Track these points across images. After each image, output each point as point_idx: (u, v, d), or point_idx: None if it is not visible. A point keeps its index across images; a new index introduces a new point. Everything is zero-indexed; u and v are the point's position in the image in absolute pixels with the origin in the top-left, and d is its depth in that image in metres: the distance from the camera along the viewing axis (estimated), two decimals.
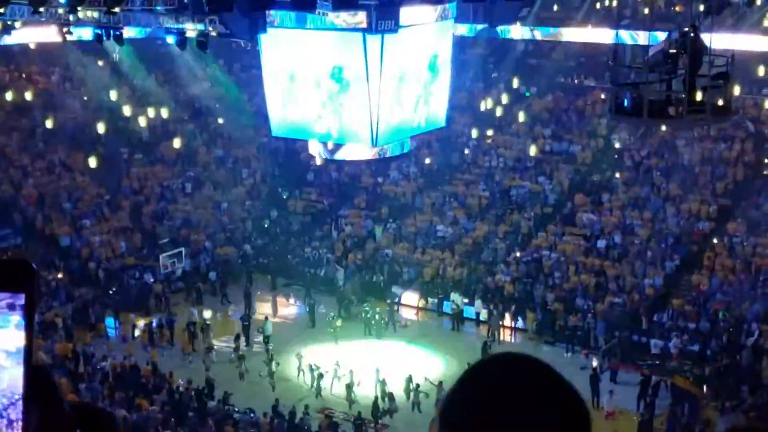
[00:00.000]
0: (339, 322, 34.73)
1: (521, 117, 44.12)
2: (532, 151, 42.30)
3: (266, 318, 35.14)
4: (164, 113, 44.63)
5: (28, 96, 44.98)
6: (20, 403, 1.85)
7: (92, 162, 42.53)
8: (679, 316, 33.39)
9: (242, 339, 33.87)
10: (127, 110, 44.28)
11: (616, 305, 34.53)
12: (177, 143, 44.46)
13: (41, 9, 20.41)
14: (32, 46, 41.59)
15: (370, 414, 28.46)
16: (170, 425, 26.13)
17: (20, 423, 1.84)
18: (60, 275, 37.81)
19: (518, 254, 38.54)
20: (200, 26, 26.77)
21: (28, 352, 1.88)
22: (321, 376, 30.59)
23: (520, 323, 35.33)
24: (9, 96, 44.47)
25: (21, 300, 1.87)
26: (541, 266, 37.53)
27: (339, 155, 29.83)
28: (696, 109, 16.78)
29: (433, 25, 27.41)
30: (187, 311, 36.64)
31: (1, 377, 1.86)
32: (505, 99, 44.72)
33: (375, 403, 28.66)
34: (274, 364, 31.66)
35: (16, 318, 1.87)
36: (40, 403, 1.91)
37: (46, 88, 46.45)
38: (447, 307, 36.74)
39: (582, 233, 38.86)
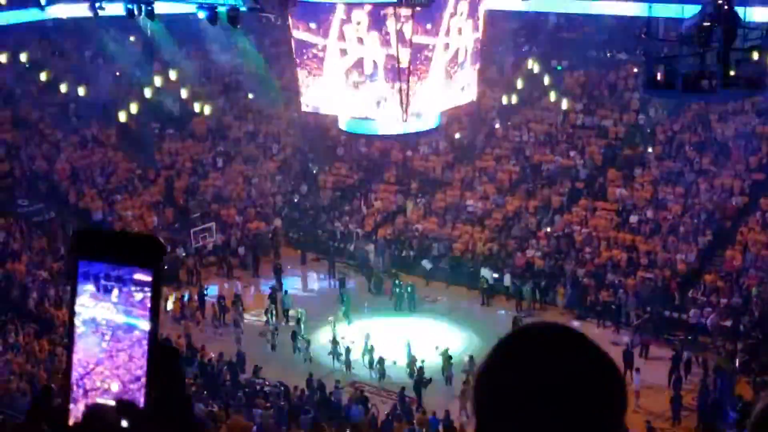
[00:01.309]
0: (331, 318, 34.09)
1: (552, 91, 43.78)
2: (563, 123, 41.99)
3: (285, 292, 35.31)
4: (195, 88, 44.76)
5: (62, 72, 45.26)
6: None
7: (124, 137, 42.84)
8: (711, 292, 33.15)
9: (271, 313, 34.09)
10: (158, 85, 44.46)
11: (647, 280, 34.33)
12: (208, 115, 44.62)
13: None
14: (65, 21, 41.77)
15: (412, 389, 28.48)
16: (202, 397, 26.37)
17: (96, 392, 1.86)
18: None
19: (549, 229, 38.39)
20: (231, 1, 26.88)
21: (154, 330, 1.88)
22: (349, 350, 30.71)
23: (550, 298, 35.23)
24: (42, 72, 44.77)
25: (148, 276, 1.88)
26: (572, 241, 37.38)
27: (369, 129, 29.85)
28: (730, 82, 16.60)
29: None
30: (219, 285, 36.89)
31: (114, 348, 1.88)
32: (536, 73, 44.42)
33: (418, 381, 28.64)
34: (300, 339, 31.84)
35: (140, 295, 1.88)
36: (162, 382, 1.90)
37: (78, 64, 46.69)
38: (477, 281, 36.66)
39: (614, 208, 38.62)
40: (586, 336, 1.96)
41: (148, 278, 1.86)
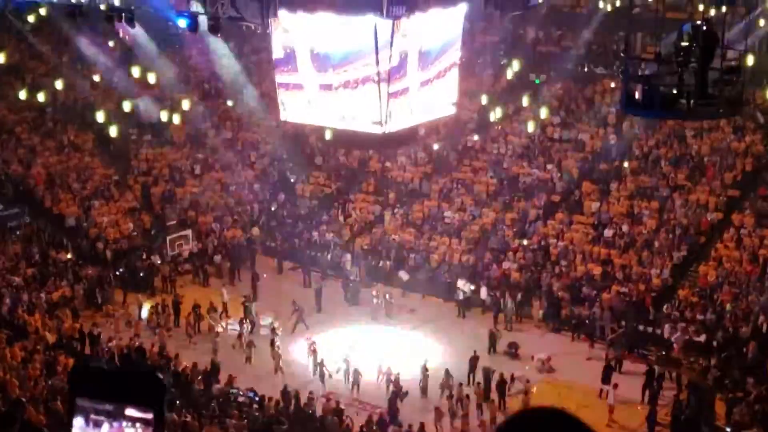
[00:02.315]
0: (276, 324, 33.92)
1: (530, 104, 43.94)
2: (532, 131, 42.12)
3: (248, 299, 35.20)
4: (174, 95, 44.62)
5: (39, 76, 45.06)
6: None
7: (101, 142, 42.64)
8: (685, 307, 33.36)
9: (246, 322, 34.00)
10: (136, 91, 44.31)
11: (622, 295, 34.51)
12: (185, 125, 44.48)
13: None
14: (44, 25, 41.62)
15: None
16: (175, 407, 26.22)
17: None
18: (68, 255, 37.94)
19: (525, 242, 38.53)
20: (211, 9, 26.80)
21: None
22: (322, 363, 30.59)
23: (526, 311, 35.35)
24: (20, 76, 44.57)
25: (145, 413, 1.84)
26: (548, 254, 37.54)
27: (347, 138, 29.82)
28: (707, 102, 16.74)
29: (443, 11, 27.33)
30: (194, 293, 36.75)
31: None
32: (514, 86, 44.61)
33: (394, 393, 28.60)
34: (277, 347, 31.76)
35: (131, 431, 1.83)
36: None
37: (57, 69, 46.43)
38: (453, 293, 36.75)
39: (589, 222, 38.83)
40: (583, 423, 1.98)
41: (143, 415, 1.82)
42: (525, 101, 43.58)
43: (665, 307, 33.56)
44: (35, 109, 44.54)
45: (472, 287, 36.61)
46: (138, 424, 1.77)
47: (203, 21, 26.82)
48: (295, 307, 34.74)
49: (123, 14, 27.94)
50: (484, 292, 36.28)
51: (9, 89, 44.47)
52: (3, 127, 43.12)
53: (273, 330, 33.05)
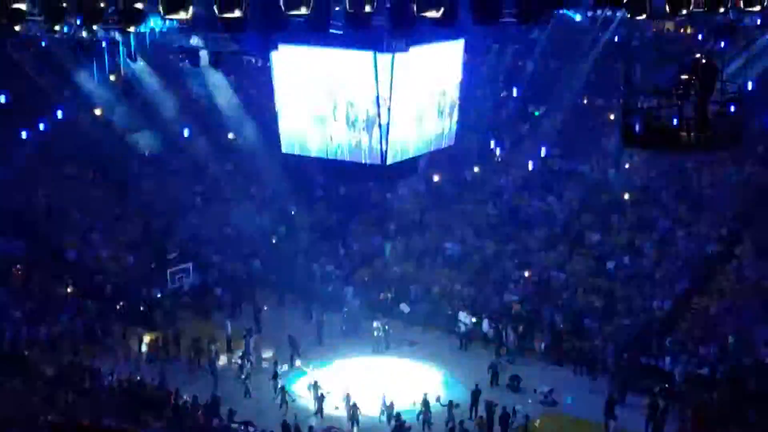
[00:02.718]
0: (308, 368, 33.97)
1: (531, 136, 44.11)
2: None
3: (250, 333, 35.06)
4: (175, 127, 44.72)
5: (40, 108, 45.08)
6: None
7: (102, 175, 42.69)
8: (687, 339, 33.22)
9: (248, 355, 33.84)
10: (138, 123, 44.43)
11: (624, 327, 34.37)
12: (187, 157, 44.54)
13: (56, 27, 20.48)
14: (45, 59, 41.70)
15: None
16: None
17: None
18: (68, 289, 37.83)
19: (526, 274, 38.43)
20: (213, 44, 26.94)
21: None
22: (323, 397, 30.40)
23: (528, 343, 35.17)
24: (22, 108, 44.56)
25: None
26: (550, 286, 37.44)
27: (347, 172, 29.86)
28: (707, 135, 16.77)
29: (443, 44, 27.46)
30: (194, 326, 36.62)
31: None
32: (514, 118, 44.76)
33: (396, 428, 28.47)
34: (279, 381, 31.60)
35: None
36: None
37: (57, 101, 46.50)
38: (455, 325, 36.64)
39: (591, 253, 38.75)
40: None
41: None
42: (524, 133, 43.78)
43: (668, 339, 33.38)
44: (37, 141, 44.50)
45: (474, 319, 36.49)
46: None
47: (205, 55, 26.94)
48: (290, 341, 34.64)
49: (124, 48, 28.04)
50: (485, 325, 36.14)
51: (9, 122, 44.47)
52: (3, 158, 43.06)
53: (275, 363, 32.93)
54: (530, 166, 43.66)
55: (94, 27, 20.24)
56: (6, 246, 39.07)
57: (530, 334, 35.34)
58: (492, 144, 44.74)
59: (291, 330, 35.72)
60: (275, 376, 31.89)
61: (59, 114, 42.33)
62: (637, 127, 16.91)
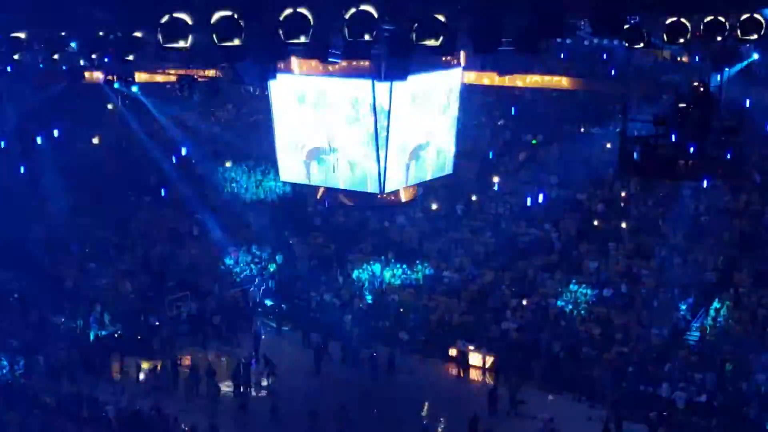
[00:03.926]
0: None
1: (528, 164, 44.26)
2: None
3: (249, 362, 34.98)
4: (173, 157, 44.87)
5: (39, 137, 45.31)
6: None
7: (100, 203, 42.76)
8: (685, 367, 33.17)
9: (244, 384, 33.76)
10: (136, 153, 44.56)
11: (622, 355, 34.32)
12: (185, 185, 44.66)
13: (55, 56, 20.60)
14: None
15: None
16: None
17: None
18: (65, 318, 37.76)
19: (524, 302, 38.42)
20: (211, 72, 27.08)
21: None
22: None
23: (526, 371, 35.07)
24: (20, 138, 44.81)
25: None
26: (548, 314, 37.41)
27: (346, 200, 29.94)
28: (706, 163, 16.85)
29: (441, 73, 27.64)
30: (192, 354, 36.52)
31: None
32: (511, 146, 44.91)
33: None
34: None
35: None
36: None
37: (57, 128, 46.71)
38: (452, 353, 36.61)
39: (589, 281, 38.75)
40: None
41: None
42: (522, 161, 43.93)
43: (666, 367, 33.34)
44: (35, 170, 44.64)
45: (472, 347, 36.43)
46: None
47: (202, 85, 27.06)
48: (266, 360, 34.70)
49: (122, 77, 28.18)
50: (483, 353, 36.06)
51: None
52: (2, 190, 43.11)
53: (272, 392, 32.84)
54: (527, 194, 43.76)
55: (93, 55, 20.27)
56: (4, 276, 39.01)
57: (528, 361, 35.25)
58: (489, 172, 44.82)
59: (289, 358, 35.61)
60: (272, 409, 31.79)
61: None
62: (635, 155, 17.02)
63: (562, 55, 42.28)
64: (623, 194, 42.25)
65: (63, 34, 19.71)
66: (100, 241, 43.06)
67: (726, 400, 31.02)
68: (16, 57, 20.09)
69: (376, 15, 14.74)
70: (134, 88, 30.67)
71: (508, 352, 35.55)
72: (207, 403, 32.57)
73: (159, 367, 35.07)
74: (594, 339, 35.50)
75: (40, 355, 34.91)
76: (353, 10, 14.62)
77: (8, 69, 29.84)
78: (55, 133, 43.10)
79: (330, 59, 22.89)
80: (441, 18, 15.27)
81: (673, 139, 16.72)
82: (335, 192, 29.33)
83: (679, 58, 40.24)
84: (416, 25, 15.34)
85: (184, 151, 46.14)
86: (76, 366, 35.04)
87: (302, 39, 14.50)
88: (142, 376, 35.12)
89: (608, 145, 42.69)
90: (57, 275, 40.37)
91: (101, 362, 35.78)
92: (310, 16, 14.36)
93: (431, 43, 15.40)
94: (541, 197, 42.91)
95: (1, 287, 38.41)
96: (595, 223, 41.64)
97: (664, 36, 16.75)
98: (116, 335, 37.67)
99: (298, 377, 35.14)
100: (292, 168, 29.16)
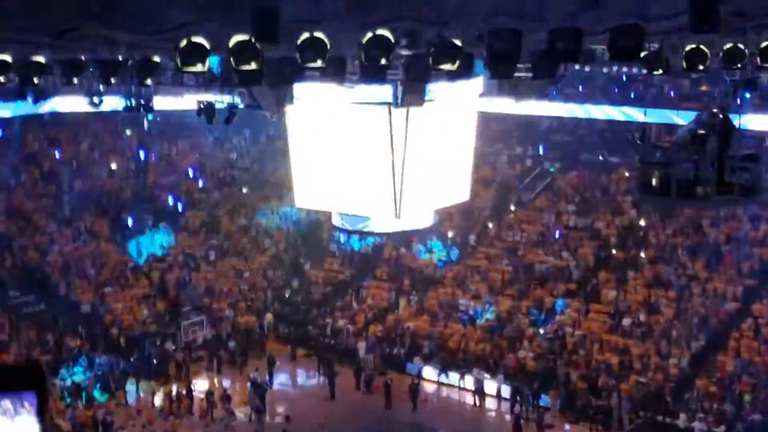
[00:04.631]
0: None
1: (546, 192, 44.14)
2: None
3: (263, 388, 34.83)
4: (190, 182, 45.02)
5: (57, 163, 45.62)
6: None
7: (117, 229, 42.90)
8: (704, 397, 32.82)
9: (258, 410, 33.62)
10: (152, 178, 44.72)
11: (640, 384, 34.00)
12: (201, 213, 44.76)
13: (74, 80, 20.63)
14: (62, 114, 42.19)
15: None
16: None
17: None
18: (81, 342, 37.75)
19: (541, 330, 38.17)
20: (228, 98, 27.09)
21: None
22: None
23: (543, 401, 34.80)
24: (38, 163, 45.11)
25: (31, 399, 1.87)
26: (565, 343, 37.13)
27: (361, 227, 29.85)
28: (725, 190, 16.68)
29: (457, 99, 27.57)
30: (208, 380, 36.44)
31: None
32: (529, 173, 44.83)
33: None
34: None
35: (24, 416, 1.87)
36: None
37: (75, 156, 46.97)
38: (468, 382, 36.37)
39: (606, 311, 38.48)
40: None
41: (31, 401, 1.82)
42: (539, 189, 43.84)
43: (686, 397, 32.98)
44: (53, 196, 44.85)
45: (488, 376, 36.19)
46: (25, 408, 1.76)
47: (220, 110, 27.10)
48: (259, 381, 34.75)
49: (141, 103, 28.20)
50: (500, 381, 35.82)
51: (27, 176, 44.93)
52: (20, 214, 43.36)
53: (287, 418, 32.68)
54: (545, 222, 43.63)
55: (112, 80, 20.28)
56: (22, 300, 39.05)
57: (545, 391, 34.98)
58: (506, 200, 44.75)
59: (303, 384, 35.47)
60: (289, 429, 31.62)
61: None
62: (653, 181, 16.88)
63: (580, 87, 42.35)
64: (642, 223, 42.00)
65: (82, 57, 19.75)
66: (116, 265, 43.08)
67: (745, 431, 30.62)
68: (36, 81, 20.16)
69: (392, 39, 14.67)
70: (149, 117, 30.80)
71: (524, 381, 35.27)
72: (222, 429, 32.42)
73: (174, 392, 34.98)
74: (611, 368, 35.18)
75: (56, 379, 34.87)
76: (370, 34, 14.56)
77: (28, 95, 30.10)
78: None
79: (346, 84, 22.97)
80: (458, 42, 15.20)
81: (692, 164, 16.62)
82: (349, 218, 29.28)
83: (699, 88, 40.25)
84: (432, 49, 15.27)
85: (200, 178, 46.31)
86: (91, 390, 34.99)
87: (319, 63, 14.43)
88: (157, 401, 35.03)
89: (626, 174, 42.57)
90: (74, 299, 40.39)
91: (116, 386, 35.72)
92: (326, 40, 14.30)
93: (448, 67, 15.33)
94: (557, 233, 42.78)
95: (19, 310, 38.40)
96: (614, 251, 41.38)
97: (683, 63, 16.64)
98: (131, 360, 37.61)
99: (313, 403, 34.98)
100: (307, 194, 29.11)
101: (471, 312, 40.29)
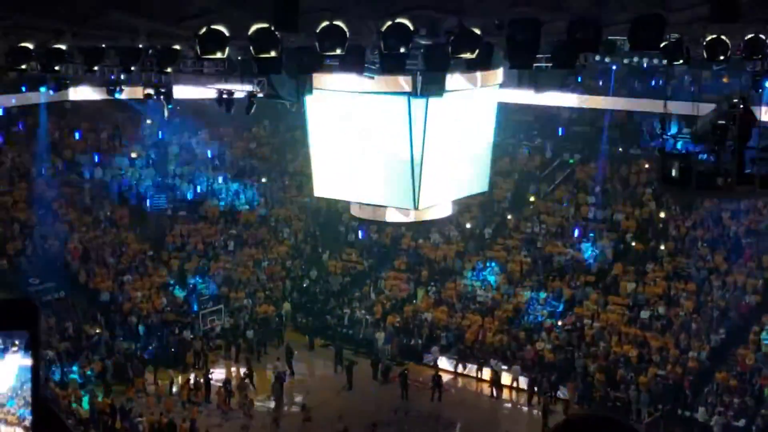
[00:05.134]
0: None
1: (565, 183, 43.97)
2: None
3: (282, 377, 34.93)
4: (209, 171, 45.14)
5: (78, 152, 45.86)
6: None
7: (136, 218, 43.09)
8: (723, 391, 32.68)
9: (279, 399, 33.74)
10: (173, 167, 44.86)
11: (659, 377, 33.89)
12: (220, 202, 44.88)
13: (95, 68, 20.76)
14: (83, 103, 42.39)
15: None
16: None
17: None
18: (100, 330, 37.98)
19: (559, 322, 38.09)
20: (248, 87, 27.16)
21: (35, 388, 1.89)
22: None
23: (560, 392, 34.74)
24: (59, 151, 45.37)
25: (22, 337, 1.89)
26: (583, 335, 37.04)
27: (380, 217, 29.83)
28: (744, 180, 16.61)
29: (477, 90, 27.49)
30: (225, 368, 36.58)
31: None
32: (548, 165, 44.68)
33: None
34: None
35: (15, 354, 1.89)
36: None
37: (94, 145, 47.19)
38: (486, 373, 36.38)
39: (625, 303, 38.35)
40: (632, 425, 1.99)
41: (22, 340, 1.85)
42: (558, 180, 43.68)
43: (705, 390, 32.86)
44: (73, 184, 45.09)
45: (505, 367, 36.16)
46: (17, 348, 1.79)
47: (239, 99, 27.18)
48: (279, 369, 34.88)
49: (160, 91, 28.30)
50: (517, 373, 35.79)
51: (48, 165, 45.17)
52: (41, 202, 43.61)
53: (304, 407, 32.78)
54: (564, 214, 43.50)
55: (132, 68, 20.40)
56: (42, 287, 39.27)
57: (563, 382, 34.93)
58: (525, 191, 44.64)
59: (320, 374, 35.54)
60: (306, 418, 31.72)
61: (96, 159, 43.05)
62: (673, 172, 16.82)
63: (600, 78, 42.10)
64: (662, 215, 41.79)
65: (103, 45, 19.86)
66: (135, 253, 43.29)
67: (765, 426, 30.47)
68: (56, 68, 20.29)
69: (411, 28, 14.65)
70: (169, 106, 30.74)
71: (542, 373, 35.23)
72: (239, 417, 32.55)
73: (192, 381, 35.15)
74: (630, 361, 35.08)
75: (75, 366, 35.12)
76: (389, 22, 14.54)
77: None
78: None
79: (366, 73, 22.96)
80: (477, 31, 15.16)
81: (713, 155, 16.56)
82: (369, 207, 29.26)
83: (720, 79, 39.92)
84: (452, 38, 15.24)
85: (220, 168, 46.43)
86: (110, 378, 35.23)
87: (338, 51, 14.43)
88: (175, 389, 35.20)
89: (646, 165, 42.35)
90: (93, 287, 40.62)
91: (135, 374, 35.93)
92: (345, 29, 14.29)
93: (467, 56, 15.29)
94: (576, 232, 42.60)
95: (39, 297, 38.61)
96: (633, 243, 41.20)
97: (704, 53, 16.56)
98: (150, 348, 37.83)
99: (330, 393, 35.05)
100: (326, 183, 29.13)
101: (489, 303, 40.25)
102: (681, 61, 18.00)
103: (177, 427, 30.92)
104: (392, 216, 29.29)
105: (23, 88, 36.81)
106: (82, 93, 38.79)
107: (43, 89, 33.03)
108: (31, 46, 18.12)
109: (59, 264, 41.12)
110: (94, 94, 37.73)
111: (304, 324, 41.63)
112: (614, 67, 33.95)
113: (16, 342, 1.95)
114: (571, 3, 14.49)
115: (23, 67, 18.45)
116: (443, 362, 37.76)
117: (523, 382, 35.59)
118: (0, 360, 1.98)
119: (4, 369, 1.97)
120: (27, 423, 1.98)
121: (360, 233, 45.67)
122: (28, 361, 1.97)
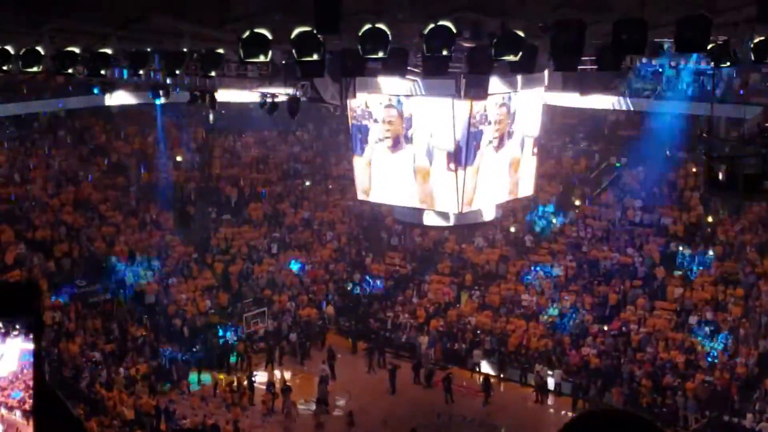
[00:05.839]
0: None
1: (612, 187, 43.53)
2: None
3: (325, 380, 34.93)
4: (253, 175, 45.35)
5: (124, 156, 46.36)
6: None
7: (181, 221, 43.43)
8: None
9: (322, 402, 33.74)
10: (217, 171, 45.12)
11: (706, 384, 33.42)
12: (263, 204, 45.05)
13: (141, 72, 20.91)
14: (129, 107, 42.94)
15: None
16: None
17: None
18: (145, 332, 38.31)
19: (605, 327, 37.71)
20: (291, 91, 27.23)
21: (38, 371, 1.87)
22: None
23: (606, 398, 34.38)
24: (105, 155, 45.89)
25: (24, 321, 1.87)
26: (629, 340, 36.64)
27: (424, 221, 29.77)
28: None
29: (522, 93, 27.34)
30: (268, 371, 36.71)
31: None
32: (594, 168, 44.26)
33: None
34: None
35: (17, 339, 1.87)
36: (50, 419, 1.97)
37: (141, 148, 47.64)
38: (530, 378, 36.15)
39: (672, 308, 37.87)
40: (653, 422, 1.94)
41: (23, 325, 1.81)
42: (605, 184, 43.25)
43: (755, 396, 32.34)
44: (119, 188, 45.55)
45: (550, 372, 35.88)
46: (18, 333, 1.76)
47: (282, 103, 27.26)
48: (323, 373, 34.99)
49: (206, 95, 28.47)
50: (561, 378, 35.50)
51: (95, 168, 45.70)
52: (88, 205, 44.13)
53: (350, 413, 32.78)
54: (611, 218, 43.07)
55: (177, 72, 20.51)
56: (88, 289, 39.69)
57: (608, 389, 34.57)
58: (571, 195, 44.28)
59: (363, 378, 35.49)
60: (350, 422, 31.71)
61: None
62: (720, 175, 16.56)
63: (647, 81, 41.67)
64: (709, 219, 41.20)
65: (148, 50, 19.99)
66: (180, 256, 43.61)
67: None
68: (102, 72, 20.45)
69: (454, 30, 14.56)
70: (213, 112, 31.01)
71: (587, 378, 34.91)
72: (283, 420, 32.63)
73: (236, 383, 35.32)
74: (677, 367, 34.64)
75: (120, 368, 35.45)
76: (432, 25, 14.46)
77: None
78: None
79: (408, 76, 22.92)
80: (520, 33, 15.02)
81: (760, 158, 16.27)
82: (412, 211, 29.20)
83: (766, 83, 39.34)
84: (495, 40, 15.12)
85: (264, 171, 46.57)
86: (154, 379, 35.51)
87: (380, 54, 14.37)
88: (218, 391, 35.39)
89: (694, 169, 41.79)
90: (139, 289, 40.98)
91: (179, 376, 36.19)
92: (388, 31, 14.23)
93: (510, 58, 15.15)
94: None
95: (85, 299, 39.03)
96: (680, 248, 40.68)
97: (752, 55, 16.27)
98: (194, 350, 38.09)
99: (373, 397, 35.02)
100: (368, 187, 29.14)
101: (534, 307, 39.99)
102: (728, 63, 17.70)
103: (220, 428, 31.06)
104: (434, 220, 29.24)
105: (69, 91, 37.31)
106: (127, 97, 39.30)
107: (96, 91, 33.49)
108: (77, 50, 18.28)
109: (105, 266, 41.50)
110: (139, 98, 38.19)
111: (347, 327, 41.67)
112: (661, 70, 33.59)
113: (18, 326, 1.92)
114: (617, 4, 14.31)
115: (69, 71, 18.60)
116: (484, 366, 37.57)
117: (566, 387, 35.28)
118: (1, 343, 1.95)
119: (5, 353, 1.94)
120: (27, 407, 1.96)
121: (402, 237, 45.61)
122: (29, 345, 1.95)
